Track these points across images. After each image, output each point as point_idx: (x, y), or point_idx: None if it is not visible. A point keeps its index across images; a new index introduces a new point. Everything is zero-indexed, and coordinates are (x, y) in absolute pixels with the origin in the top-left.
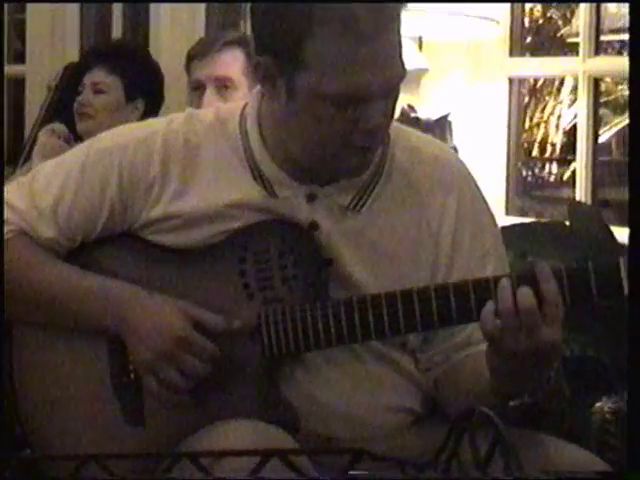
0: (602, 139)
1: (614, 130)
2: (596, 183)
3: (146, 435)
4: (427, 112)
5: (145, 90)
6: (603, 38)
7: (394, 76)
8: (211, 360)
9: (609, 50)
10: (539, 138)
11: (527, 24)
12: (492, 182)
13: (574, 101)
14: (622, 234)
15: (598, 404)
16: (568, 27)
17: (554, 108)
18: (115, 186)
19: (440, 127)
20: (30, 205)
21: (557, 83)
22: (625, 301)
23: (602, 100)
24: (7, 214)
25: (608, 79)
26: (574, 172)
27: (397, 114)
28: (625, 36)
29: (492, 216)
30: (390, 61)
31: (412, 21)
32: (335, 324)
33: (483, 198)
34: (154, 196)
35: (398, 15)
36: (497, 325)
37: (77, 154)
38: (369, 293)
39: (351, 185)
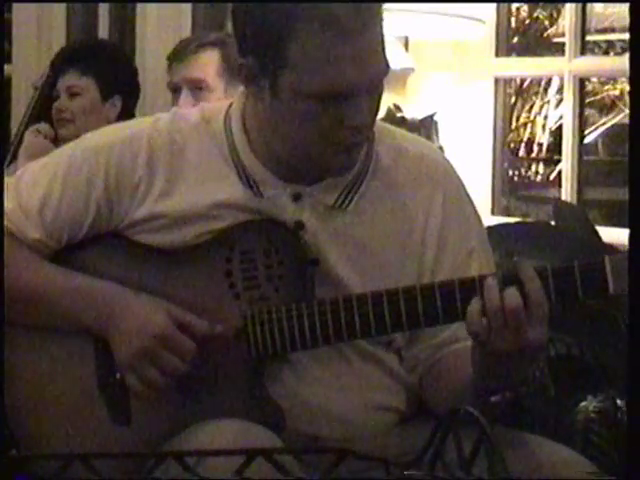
0: (588, 139)
1: (600, 130)
2: (582, 183)
3: (132, 435)
4: (413, 112)
5: (120, 86)
6: (589, 38)
7: (378, 72)
8: (191, 358)
9: (595, 50)
10: (525, 138)
11: (513, 24)
12: (478, 182)
13: (560, 101)
14: (607, 234)
15: (583, 404)
16: (554, 27)
17: (540, 108)
18: (101, 186)
19: (426, 127)
20: (16, 206)
21: (543, 83)
22: (609, 301)
23: (588, 100)
24: None
25: (594, 79)
26: (560, 172)
27: (383, 113)
28: (611, 36)
29: (478, 214)
30: (373, 57)
31: (398, 21)
32: (321, 324)
33: (469, 196)
34: (140, 196)
35: (380, 11)
36: (483, 324)
37: (63, 155)
38: (355, 293)
39: (336, 184)
